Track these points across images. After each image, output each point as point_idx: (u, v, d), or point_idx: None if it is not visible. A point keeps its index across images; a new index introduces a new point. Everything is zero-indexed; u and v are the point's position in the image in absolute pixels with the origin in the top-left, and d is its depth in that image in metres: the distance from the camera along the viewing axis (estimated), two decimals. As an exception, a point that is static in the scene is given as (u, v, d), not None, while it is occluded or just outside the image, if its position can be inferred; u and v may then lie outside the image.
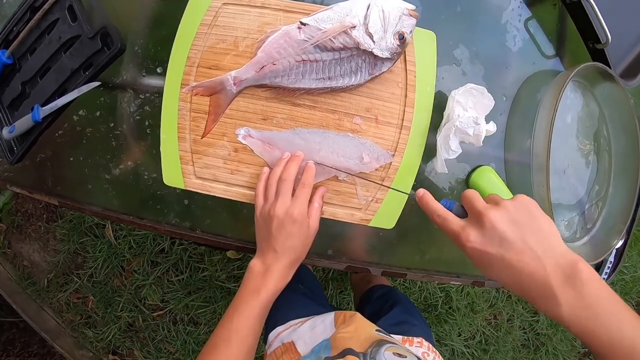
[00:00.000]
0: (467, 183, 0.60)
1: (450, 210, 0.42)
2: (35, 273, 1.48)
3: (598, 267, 0.73)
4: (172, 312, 1.44)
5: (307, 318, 0.62)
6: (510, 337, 1.57)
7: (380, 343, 0.48)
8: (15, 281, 1.47)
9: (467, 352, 1.53)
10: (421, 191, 0.44)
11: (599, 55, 0.62)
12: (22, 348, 1.50)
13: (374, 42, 0.48)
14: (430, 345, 0.62)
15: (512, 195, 0.59)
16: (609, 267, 0.72)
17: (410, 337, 0.62)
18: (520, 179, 0.63)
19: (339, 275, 1.43)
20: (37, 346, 1.50)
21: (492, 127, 0.54)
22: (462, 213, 0.41)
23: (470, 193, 0.40)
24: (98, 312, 1.44)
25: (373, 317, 0.59)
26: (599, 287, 0.33)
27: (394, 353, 0.46)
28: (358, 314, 0.58)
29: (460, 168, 0.60)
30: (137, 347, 1.45)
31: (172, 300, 1.43)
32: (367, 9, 0.48)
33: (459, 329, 1.51)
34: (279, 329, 0.62)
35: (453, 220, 0.39)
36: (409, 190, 0.55)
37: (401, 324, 0.69)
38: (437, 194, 0.60)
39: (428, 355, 0.60)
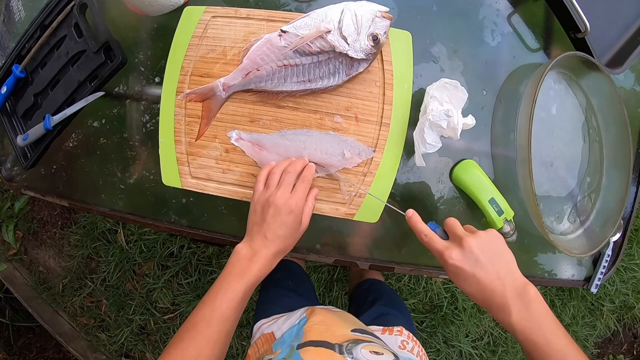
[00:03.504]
0: (450, 177, 0.65)
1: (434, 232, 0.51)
2: (51, 278, 1.60)
3: (595, 261, 0.76)
4: (183, 314, 1.53)
5: (289, 312, 0.67)
6: (519, 338, 1.58)
7: (357, 342, 0.51)
8: (32, 286, 1.59)
9: (475, 353, 1.55)
10: (410, 212, 0.52)
11: (581, 45, 0.66)
12: (37, 353, 1.62)
13: (348, 44, 0.54)
14: (411, 334, 0.66)
15: (494, 186, 0.64)
16: (606, 260, 0.75)
17: (389, 327, 0.66)
18: (507, 172, 0.67)
19: (344, 277, 1.48)
20: (53, 351, 1.62)
21: (470, 121, 0.58)
22: (444, 236, 0.51)
23: (452, 220, 0.50)
24: (111, 316, 1.55)
25: (358, 312, 0.63)
26: (541, 306, 0.45)
27: (370, 351, 0.48)
28: (324, 311, 0.62)
29: (443, 162, 0.65)
30: (149, 349, 1.55)
31: (182, 303, 1.52)
32: (341, 14, 0.54)
33: (466, 330, 1.54)
34: (262, 321, 0.68)
35: (437, 241, 0.49)
36: (390, 187, 0.61)
37: (382, 316, 0.73)
38: (424, 190, 0.65)
39: (407, 343, 0.64)
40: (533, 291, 0.45)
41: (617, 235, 0.76)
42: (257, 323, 0.68)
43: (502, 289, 0.45)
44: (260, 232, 0.52)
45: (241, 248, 0.52)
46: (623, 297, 1.64)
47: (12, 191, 1.49)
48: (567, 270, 0.76)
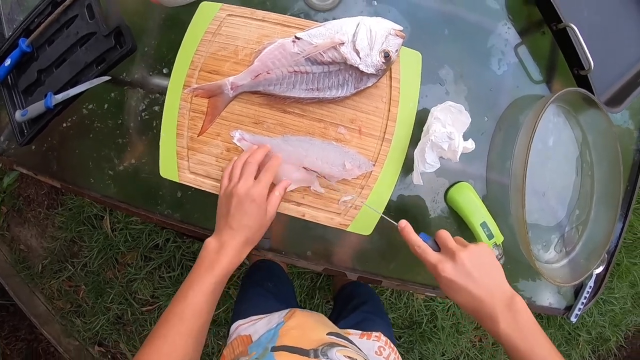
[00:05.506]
0: (445, 198, 0.66)
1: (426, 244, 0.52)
2: (31, 258, 1.57)
3: (577, 291, 0.77)
4: (161, 307, 1.51)
5: (267, 315, 0.67)
6: (495, 362, 1.60)
7: (332, 345, 0.52)
8: (11, 264, 1.56)
9: (450, 373, 1.56)
10: (403, 222, 0.53)
11: (583, 82, 0.68)
12: (10, 332, 1.58)
13: (360, 58, 0.55)
14: (388, 341, 0.67)
15: (486, 210, 0.65)
16: (588, 291, 0.76)
17: (368, 332, 0.67)
18: (499, 197, 0.68)
19: (327, 285, 1.48)
20: (25, 331, 1.58)
21: (470, 145, 0.59)
22: (435, 247, 0.52)
23: (444, 233, 0.52)
24: (88, 302, 1.52)
25: (340, 316, 0.64)
26: (527, 316, 0.47)
27: (345, 355, 0.49)
28: (304, 313, 0.62)
29: (439, 182, 0.66)
30: (124, 340, 1.52)
31: (162, 296, 1.50)
32: (356, 28, 0.55)
33: (442, 348, 1.55)
34: (239, 322, 0.68)
35: (430, 253, 0.51)
36: (386, 201, 0.61)
37: (363, 321, 0.74)
38: (418, 207, 0.66)
39: (384, 349, 0.64)
40: (520, 302, 0.48)
41: (601, 268, 0.77)
42: (234, 324, 0.68)
43: (491, 300, 0.47)
44: (226, 224, 0.53)
45: (209, 242, 0.53)
46: (600, 329, 1.67)
47: (1, 166, 1.46)
48: (547, 299, 0.77)
